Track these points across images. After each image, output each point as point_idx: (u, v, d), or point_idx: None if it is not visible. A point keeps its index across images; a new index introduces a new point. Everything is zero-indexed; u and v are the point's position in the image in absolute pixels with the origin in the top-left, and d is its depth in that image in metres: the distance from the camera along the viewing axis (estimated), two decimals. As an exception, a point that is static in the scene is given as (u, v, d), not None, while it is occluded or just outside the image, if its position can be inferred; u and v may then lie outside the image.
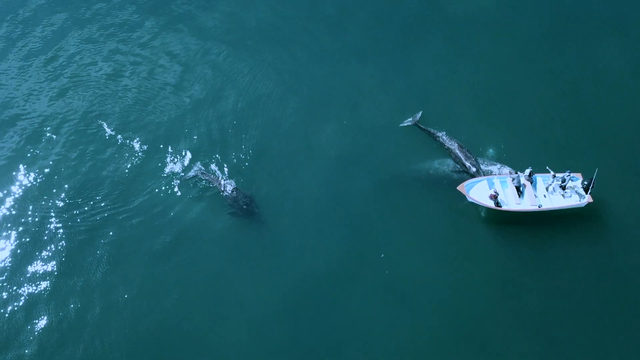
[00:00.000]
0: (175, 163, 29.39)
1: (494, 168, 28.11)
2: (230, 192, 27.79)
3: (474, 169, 27.82)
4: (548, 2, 35.15)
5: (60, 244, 27.15)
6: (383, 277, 25.76)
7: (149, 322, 24.99)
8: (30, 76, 33.73)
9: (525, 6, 35.09)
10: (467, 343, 23.92)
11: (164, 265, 26.53)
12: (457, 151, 28.46)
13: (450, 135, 29.14)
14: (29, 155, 30.31)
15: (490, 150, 28.99)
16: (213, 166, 29.21)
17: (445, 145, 28.96)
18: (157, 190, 28.68)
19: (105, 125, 31.02)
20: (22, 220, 27.95)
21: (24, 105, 32.47)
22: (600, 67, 31.77)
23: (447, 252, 26.30)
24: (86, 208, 28.22)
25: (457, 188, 26.92)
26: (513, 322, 24.27)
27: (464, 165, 28.12)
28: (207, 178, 28.55)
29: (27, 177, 29.43)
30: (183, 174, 28.92)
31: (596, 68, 31.75)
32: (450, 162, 28.64)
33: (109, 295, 25.71)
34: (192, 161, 29.38)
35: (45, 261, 26.71)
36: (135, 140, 30.38)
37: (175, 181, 28.83)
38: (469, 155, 28.32)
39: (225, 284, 25.98)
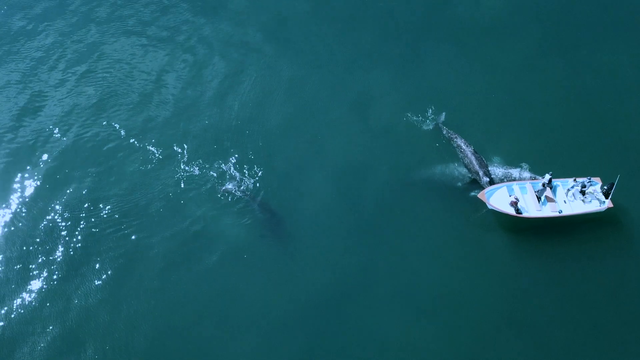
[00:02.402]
0: (190, 168, 29.03)
1: (514, 172, 27.68)
2: (255, 202, 27.47)
3: (486, 179, 27.29)
4: (560, 8, 34.79)
5: (78, 252, 26.73)
6: (398, 285, 25.48)
7: (161, 330, 24.70)
8: (50, 81, 33.17)
9: (538, 12, 34.76)
10: (484, 352, 23.68)
11: (177, 273, 26.15)
12: (472, 158, 27.92)
13: (467, 140, 28.72)
14: (57, 170, 29.63)
15: (508, 155, 28.65)
16: (231, 171, 28.84)
17: (460, 151, 28.46)
18: (172, 195, 28.27)
19: (123, 132, 30.57)
20: (45, 228, 27.47)
21: (43, 110, 31.89)
22: (618, 71, 31.53)
23: (465, 260, 26.01)
24: (106, 217, 27.78)
25: (478, 196, 26.61)
26: (533, 331, 24.07)
27: (477, 173, 27.62)
28: (239, 191, 28.10)
29: (55, 186, 28.84)
30: (218, 184, 28.47)
31: (614, 72, 31.50)
32: (464, 168, 28.20)
33: (123, 306, 25.32)
34: (210, 169, 28.99)
35: (61, 269, 26.26)
36: (150, 145, 29.98)
37: (192, 188, 28.45)
38: (483, 163, 27.79)
39: (238, 293, 25.64)
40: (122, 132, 30.50)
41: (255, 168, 28.86)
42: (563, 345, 23.63)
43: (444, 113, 29.93)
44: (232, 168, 28.84)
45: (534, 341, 23.80)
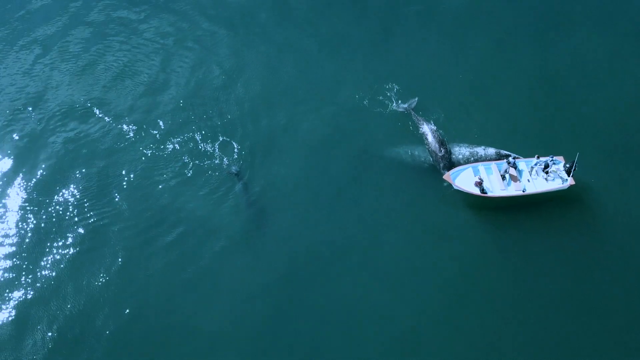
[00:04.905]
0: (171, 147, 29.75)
1: (479, 149, 28.30)
2: (232, 174, 28.28)
3: (444, 171, 27.77)
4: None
5: (63, 235, 27.28)
6: (368, 258, 26.20)
7: (130, 303, 25.30)
8: (47, 68, 33.61)
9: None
10: (450, 324, 24.49)
11: (151, 246, 26.79)
12: (436, 147, 28.43)
13: (435, 127, 29.29)
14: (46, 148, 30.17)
15: (474, 134, 29.29)
16: (204, 147, 29.53)
17: (425, 137, 28.99)
18: (143, 171, 28.99)
19: (98, 112, 31.11)
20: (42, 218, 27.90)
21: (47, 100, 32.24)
22: (580, 55, 32.26)
23: (432, 238, 26.67)
24: (78, 198, 28.37)
25: (444, 177, 27.19)
26: (499, 306, 24.83)
27: (438, 163, 28.23)
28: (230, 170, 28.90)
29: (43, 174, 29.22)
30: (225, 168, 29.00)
31: (576, 57, 32.22)
32: (437, 149, 28.77)
33: (94, 284, 25.87)
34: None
35: (49, 246, 26.92)
36: (125, 123, 30.64)
37: (168, 166, 29.26)
38: (446, 155, 28.28)
39: (211, 267, 26.22)
40: (97, 110, 31.12)
41: (230, 145, 29.56)
42: (531, 315, 24.42)
43: (416, 98, 30.42)
44: (205, 145, 29.53)
45: (495, 312, 24.59)
